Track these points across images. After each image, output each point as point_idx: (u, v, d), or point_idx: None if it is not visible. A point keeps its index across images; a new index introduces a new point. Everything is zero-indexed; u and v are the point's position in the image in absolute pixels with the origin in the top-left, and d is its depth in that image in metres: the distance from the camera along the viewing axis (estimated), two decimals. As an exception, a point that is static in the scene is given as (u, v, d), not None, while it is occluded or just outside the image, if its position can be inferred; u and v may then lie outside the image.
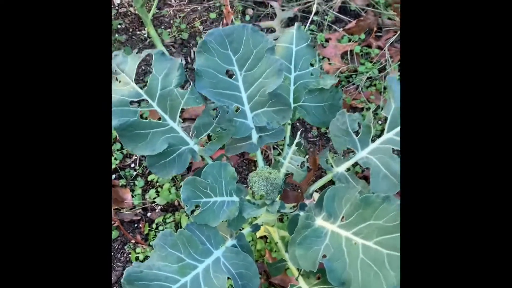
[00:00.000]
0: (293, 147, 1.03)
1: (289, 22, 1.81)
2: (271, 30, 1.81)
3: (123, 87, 1.03)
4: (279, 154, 1.50)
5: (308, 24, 1.76)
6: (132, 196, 1.43)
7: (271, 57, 1.05)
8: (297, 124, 1.60)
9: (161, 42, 1.72)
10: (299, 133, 1.09)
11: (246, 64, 1.08)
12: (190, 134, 1.06)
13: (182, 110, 1.04)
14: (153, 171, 1.04)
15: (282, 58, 1.14)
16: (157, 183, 1.46)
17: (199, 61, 1.06)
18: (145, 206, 1.43)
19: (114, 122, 0.98)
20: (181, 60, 1.70)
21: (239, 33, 1.06)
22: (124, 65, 1.04)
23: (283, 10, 1.83)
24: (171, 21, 1.83)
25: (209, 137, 1.09)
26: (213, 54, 1.06)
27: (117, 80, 1.04)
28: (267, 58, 1.05)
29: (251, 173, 1.03)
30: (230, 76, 1.09)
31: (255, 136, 1.12)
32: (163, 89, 1.02)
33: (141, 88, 1.04)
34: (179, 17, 1.83)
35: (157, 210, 1.42)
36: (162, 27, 1.80)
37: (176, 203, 1.43)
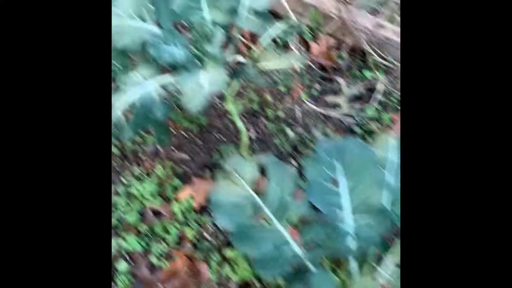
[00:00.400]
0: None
1: (354, 99, 1.89)
2: (337, 106, 1.88)
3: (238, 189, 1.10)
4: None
5: (373, 102, 1.84)
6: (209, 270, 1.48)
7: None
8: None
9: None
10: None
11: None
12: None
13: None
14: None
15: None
16: (232, 260, 1.51)
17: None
18: (220, 282, 1.48)
19: (230, 226, 1.05)
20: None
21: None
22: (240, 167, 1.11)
23: (348, 87, 1.92)
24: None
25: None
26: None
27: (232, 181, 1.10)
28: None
29: None
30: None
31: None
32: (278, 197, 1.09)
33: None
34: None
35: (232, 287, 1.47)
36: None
37: (251, 281, 1.48)
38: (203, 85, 1.16)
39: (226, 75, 1.20)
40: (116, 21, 1.38)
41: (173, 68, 1.40)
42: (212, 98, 1.20)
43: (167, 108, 1.30)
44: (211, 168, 1.67)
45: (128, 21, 1.38)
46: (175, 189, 1.59)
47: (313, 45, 2.01)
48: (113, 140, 1.42)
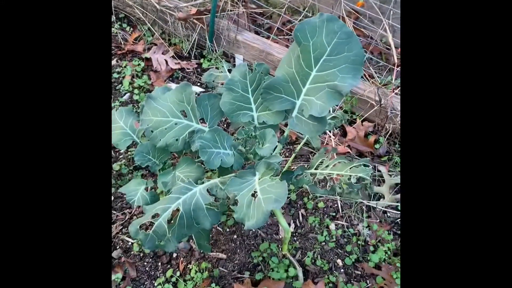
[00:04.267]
0: None
1: (398, 189, 1.79)
2: (379, 196, 1.78)
3: None
4: None
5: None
6: None
7: None
8: None
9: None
10: None
11: None
12: None
13: None
14: None
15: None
16: None
17: None
18: None
19: None
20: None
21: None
22: None
23: (390, 175, 1.82)
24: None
25: None
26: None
27: None
28: None
29: None
30: None
31: None
32: None
33: None
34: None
35: None
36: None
37: None
38: (260, 199, 1.06)
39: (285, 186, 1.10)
40: (158, 118, 1.31)
41: (221, 170, 1.31)
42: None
43: (215, 216, 1.19)
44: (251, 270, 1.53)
45: (171, 119, 1.30)
46: (213, 296, 1.44)
47: (350, 130, 1.94)
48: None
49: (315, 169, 1.25)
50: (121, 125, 1.46)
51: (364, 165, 1.16)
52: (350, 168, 1.16)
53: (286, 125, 1.32)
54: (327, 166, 1.23)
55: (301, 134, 1.92)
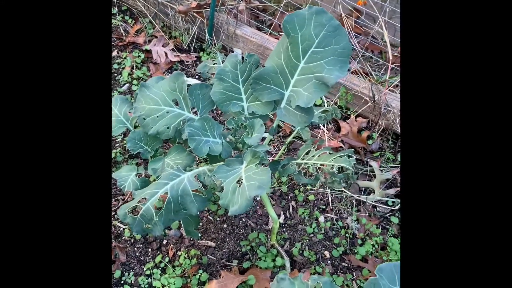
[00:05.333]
0: None
1: (388, 184, 1.81)
2: (369, 191, 1.80)
3: None
4: None
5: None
6: None
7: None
8: None
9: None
10: None
11: None
12: None
13: None
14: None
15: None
16: None
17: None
18: None
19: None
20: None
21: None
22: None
23: (382, 171, 1.84)
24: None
25: None
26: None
27: None
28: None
29: None
30: None
31: None
32: None
33: None
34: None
35: None
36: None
37: None
38: (244, 185, 1.09)
39: (269, 172, 1.13)
40: (150, 106, 1.34)
41: (210, 158, 1.34)
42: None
43: (201, 203, 1.22)
44: (240, 258, 1.56)
45: (163, 107, 1.33)
46: (202, 283, 1.47)
47: (344, 125, 1.96)
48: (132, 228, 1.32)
49: (302, 159, 1.28)
50: (115, 112, 1.49)
51: (348, 156, 1.18)
52: (334, 159, 1.19)
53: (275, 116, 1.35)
54: (313, 156, 1.26)
55: (293, 127, 1.94)
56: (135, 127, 1.46)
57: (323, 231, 1.65)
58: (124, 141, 1.83)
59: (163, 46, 2.33)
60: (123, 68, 2.20)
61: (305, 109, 1.20)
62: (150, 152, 1.41)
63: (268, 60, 1.24)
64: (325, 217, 1.70)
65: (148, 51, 2.30)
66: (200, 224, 1.63)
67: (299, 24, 1.16)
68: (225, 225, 1.64)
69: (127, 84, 2.14)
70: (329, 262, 1.57)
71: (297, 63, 1.19)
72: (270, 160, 1.75)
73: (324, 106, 1.85)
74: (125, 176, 1.40)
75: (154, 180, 1.42)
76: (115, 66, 2.22)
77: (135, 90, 2.11)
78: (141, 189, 1.32)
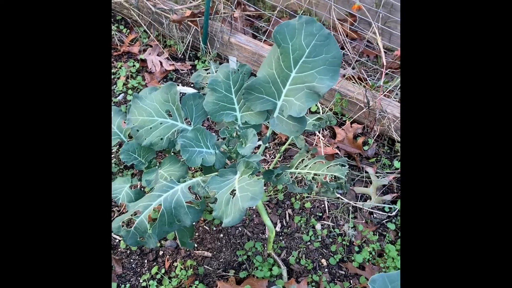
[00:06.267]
0: None
1: (385, 190, 1.80)
2: (366, 197, 1.79)
3: None
4: None
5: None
6: None
7: None
8: None
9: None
10: None
11: None
12: None
13: None
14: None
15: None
16: None
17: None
18: None
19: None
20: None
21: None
22: None
23: (378, 177, 1.83)
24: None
25: None
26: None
27: None
28: None
29: None
30: None
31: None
32: None
33: None
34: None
35: None
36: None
37: None
38: (237, 197, 1.08)
39: (261, 181, 1.13)
40: (143, 118, 1.34)
41: (204, 169, 1.33)
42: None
43: (195, 214, 1.22)
44: (236, 268, 1.55)
45: (156, 118, 1.33)
46: (197, 293, 1.47)
47: (339, 131, 1.95)
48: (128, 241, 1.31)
49: (295, 168, 1.27)
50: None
51: (341, 165, 1.18)
52: (327, 168, 1.18)
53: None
54: (306, 166, 1.25)
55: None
56: (129, 138, 1.46)
57: (320, 239, 1.65)
58: (119, 152, 1.83)
59: (158, 55, 2.33)
60: (118, 78, 2.20)
61: (297, 118, 1.20)
62: (144, 164, 1.41)
63: (260, 70, 1.24)
64: (321, 225, 1.70)
65: (143, 61, 2.31)
66: (196, 234, 1.62)
67: (289, 34, 1.16)
68: (221, 235, 1.63)
69: (122, 94, 2.14)
70: (326, 270, 1.57)
71: (288, 73, 1.19)
72: (266, 168, 1.75)
73: (319, 112, 1.85)
74: (119, 188, 1.39)
75: (149, 191, 1.42)
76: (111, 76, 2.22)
77: (130, 100, 2.11)
78: (135, 201, 1.32)
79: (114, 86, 2.17)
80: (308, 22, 1.14)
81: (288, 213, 1.72)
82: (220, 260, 1.56)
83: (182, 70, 2.29)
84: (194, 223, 1.59)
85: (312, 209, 1.74)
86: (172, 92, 1.34)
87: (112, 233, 1.60)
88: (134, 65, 2.27)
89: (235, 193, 1.12)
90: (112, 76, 2.21)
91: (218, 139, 1.32)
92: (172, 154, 1.41)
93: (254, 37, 2.36)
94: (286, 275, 1.52)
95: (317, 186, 1.19)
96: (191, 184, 1.25)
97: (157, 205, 1.20)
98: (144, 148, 1.42)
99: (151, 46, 2.37)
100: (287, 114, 1.20)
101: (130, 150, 1.40)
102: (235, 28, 2.30)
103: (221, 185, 1.19)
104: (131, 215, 1.20)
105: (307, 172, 1.24)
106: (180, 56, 2.34)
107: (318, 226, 1.69)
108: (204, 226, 1.65)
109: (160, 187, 1.24)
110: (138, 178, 1.44)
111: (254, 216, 1.69)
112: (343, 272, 1.57)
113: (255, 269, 1.53)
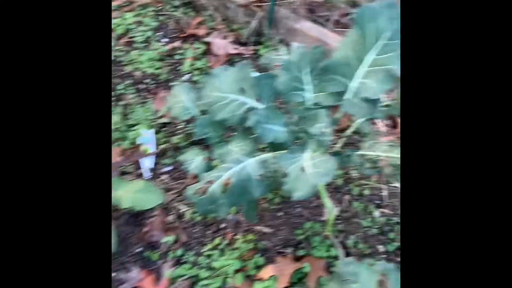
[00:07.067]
0: None
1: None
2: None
3: None
4: None
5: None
6: None
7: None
8: None
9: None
10: None
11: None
12: None
13: None
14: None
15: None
16: None
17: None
18: None
19: None
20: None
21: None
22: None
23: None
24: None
25: None
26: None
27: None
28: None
29: None
30: None
31: None
32: None
33: None
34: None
35: None
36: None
37: None
38: (309, 173, 1.12)
39: (333, 161, 1.16)
40: (217, 94, 1.40)
41: (273, 146, 1.38)
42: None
43: (264, 188, 1.27)
44: (294, 246, 1.60)
45: (229, 95, 1.39)
46: (257, 267, 1.52)
47: (399, 122, 1.94)
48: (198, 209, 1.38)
49: (364, 150, 1.29)
50: (181, 99, 1.57)
51: (413, 149, 1.18)
52: (395, 153, 1.19)
53: (338, 107, 1.37)
54: (376, 149, 1.27)
55: (354, 119, 1.94)
56: (202, 113, 1.53)
57: (378, 226, 1.66)
58: (188, 128, 1.92)
59: (223, 38, 2.40)
60: (184, 59, 2.29)
61: (370, 101, 1.21)
62: (215, 138, 1.47)
63: (335, 52, 1.26)
64: (380, 212, 1.70)
65: (208, 43, 2.38)
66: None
67: (369, 17, 1.17)
68: (281, 214, 1.68)
69: (188, 75, 2.23)
70: (383, 256, 1.58)
71: (365, 55, 1.20)
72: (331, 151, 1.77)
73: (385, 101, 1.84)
74: (190, 160, 1.47)
75: (219, 165, 1.48)
76: (177, 57, 2.31)
77: (196, 81, 2.19)
78: (206, 172, 1.39)
79: (181, 66, 2.26)
80: (389, 5, 1.15)
81: (346, 198, 1.74)
82: (279, 237, 1.61)
83: (246, 54, 2.34)
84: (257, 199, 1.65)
85: (371, 196, 1.74)
86: (245, 72, 1.39)
87: (179, 203, 1.69)
88: (199, 48, 2.35)
89: (305, 170, 1.16)
90: (179, 57, 2.31)
91: (289, 118, 1.36)
92: (243, 130, 1.46)
93: (316, 23, 2.37)
94: (344, 257, 1.55)
95: (386, 169, 1.20)
96: (261, 159, 1.30)
97: (228, 177, 1.26)
98: (216, 124, 1.48)
99: (216, 30, 2.44)
100: (360, 96, 1.22)
101: (203, 125, 1.47)
102: (299, 14, 2.32)
103: (291, 161, 1.23)
104: (204, 184, 1.27)
105: (377, 155, 1.25)
106: (244, 40, 2.39)
107: (376, 213, 1.70)
108: (265, 204, 1.70)
109: (231, 160, 1.30)
110: (208, 153, 1.51)
111: (313, 198, 1.72)
112: (399, 259, 1.58)
113: (313, 248, 1.57)
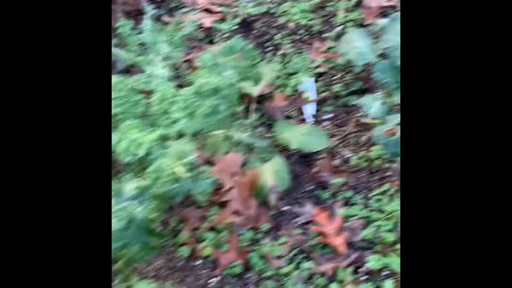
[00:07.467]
0: None
1: None
2: None
3: None
4: None
5: None
6: None
7: None
8: None
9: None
10: None
11: None
12: None
13: None
14: None
15: None
16: None
17: None
18: None
19: None
20: None
21: None
22: None
23: None
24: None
25: None
26: None
27: None
28: None
29: None
30: None
31: None
32: None
33: None
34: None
35: None
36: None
37: None
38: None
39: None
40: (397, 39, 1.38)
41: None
42: None
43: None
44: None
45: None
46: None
47: None
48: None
49: None
50: (357, 45, 1.58)
51: None
52: None
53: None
54: None
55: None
56: (382, 57, 1.53)
57: None
58: (361, 73, 1.90)
59: (376, -11, 2.32)
60: (337, 11, 2.27)
61: None
62: (394, 84, 1.46)
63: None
64: None
65: (360, -5, 2.32)
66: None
67: None
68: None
69: (341, 26, 2.21)
70: None
71: None
72: None
73: None
74: (367, 103, 1.49)
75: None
76: (329, 8, 2.31)
77: (348, 32, 2.17)
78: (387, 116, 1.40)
79: (334, 17, 2.25)
80: None
81: None
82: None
83: (398, 7, 2.25)
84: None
85: None
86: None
87: (343, 149, 1.73)
88: (351, 0, 2.31)
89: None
90: (332, 9, 2.30)
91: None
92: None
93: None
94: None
95: None
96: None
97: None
98: (394, 68, 1.47)
99: (369, -18, 2.37)
100: None
101: (382, 69, 1.47)
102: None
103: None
104: (392, 126, 1.28)
105: None
106: (398, -9, 2.29)
107: None
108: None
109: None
110: (385, 96, 1.51)
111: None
112: None
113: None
